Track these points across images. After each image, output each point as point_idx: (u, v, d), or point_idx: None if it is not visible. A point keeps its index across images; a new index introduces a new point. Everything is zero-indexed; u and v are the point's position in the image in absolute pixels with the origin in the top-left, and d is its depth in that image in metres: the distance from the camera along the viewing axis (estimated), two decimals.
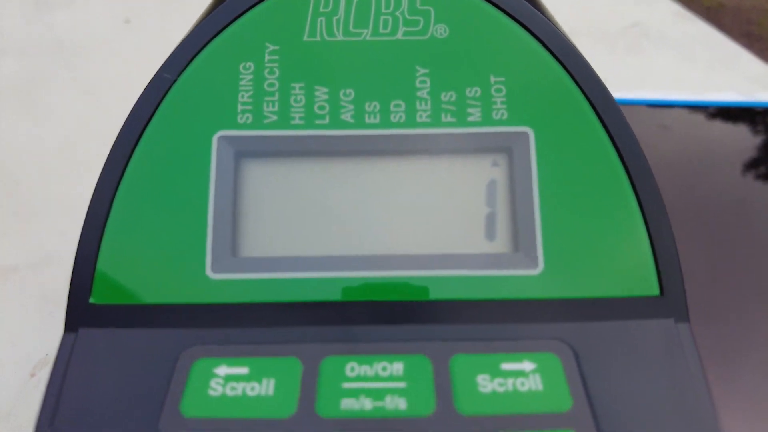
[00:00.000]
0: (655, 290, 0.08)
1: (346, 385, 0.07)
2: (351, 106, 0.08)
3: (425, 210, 0.08)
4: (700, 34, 0.39)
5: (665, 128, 0.24)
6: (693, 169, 0.21)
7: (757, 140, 0.23)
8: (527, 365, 0.07)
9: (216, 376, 0.07)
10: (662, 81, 0.32)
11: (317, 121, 0.08)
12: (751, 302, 0.15)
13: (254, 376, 0.07)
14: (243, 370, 0.07)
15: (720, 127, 0.24)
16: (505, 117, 0.08)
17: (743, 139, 0.23)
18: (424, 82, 0.09)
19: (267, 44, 0.09)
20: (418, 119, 0.08)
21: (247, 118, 0.08)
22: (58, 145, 0.26)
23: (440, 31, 0.09)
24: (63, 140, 0.26)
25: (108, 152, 0.08)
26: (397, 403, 0.07)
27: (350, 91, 0.09)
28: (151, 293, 0.08)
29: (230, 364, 0.07)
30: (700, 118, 0.25)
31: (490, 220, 0.08)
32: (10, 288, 0.17)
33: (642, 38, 0.38)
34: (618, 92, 0.29)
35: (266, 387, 0.07)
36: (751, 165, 0.21)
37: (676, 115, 0.25)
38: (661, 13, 0.44)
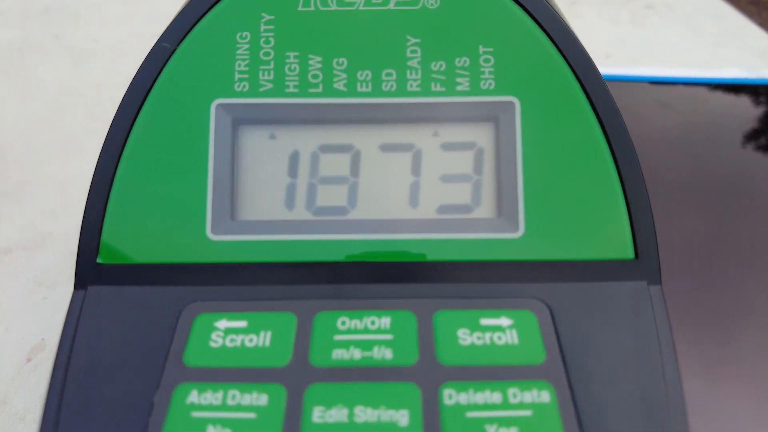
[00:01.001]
0: (630, 254, 0.08)
1: (338, 337, 0.08)
2: (344, 75, 0.09)
3: (413, 177, 0.09)
4: (707, 6, 0.39)
5: (667, 107, 0.24)
6: (695, 149, 0.21)
7: (761, 118, 0.23)
8: (504, 321, 0.08)
9: (216, 329, 0.08)
10: (667, 55, 0.32)
11: (311, 90, 0.09)
12: (747, 272, 0.16)
13: (252, 329, 0.08)
14: (242, 324, 0.08)
15: (724, 105, 0.24)
16: (492, 87, 0.09)
17: (747, 117, 0.23)
18: (414, 51, 0.09)
19: (263, 14, 0.09)
20: (409, 88, 0.09)
21: (244, 86, 0.09)
22: (48, 118, 0.25)
23: (431, 1, 0.09)
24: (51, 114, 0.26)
25: (105, 125, 0.09)
26: (384, 354, 0.07)
27: (343, 60, 0.09)
28: (154, 254, 0.08)
29: (230, 318, 0.08)
30: (703, 95, 0.25)
31: (476, 187, 0.09)
32: (3, 271, 0.17)
33: (647, 9, 0.37)
34: (620, 68, 0.29)
35: (263, 339, 0.08)
36: (754, 143, 0.21)
37: (678, 93, 0.25)
38: None
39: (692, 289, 0.15)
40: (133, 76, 0.09)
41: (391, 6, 0.09)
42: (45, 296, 0.17)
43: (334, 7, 0.09)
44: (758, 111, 0.24)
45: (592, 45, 0.28)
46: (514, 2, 0.09)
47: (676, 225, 0.17)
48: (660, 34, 0.34)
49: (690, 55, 0.32)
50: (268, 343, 0.08)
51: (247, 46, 0.09)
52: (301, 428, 0.07)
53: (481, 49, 0.09)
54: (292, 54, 0.09)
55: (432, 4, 0.09)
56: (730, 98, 0.25)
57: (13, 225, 0.19)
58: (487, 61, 0.09)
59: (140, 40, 0.25)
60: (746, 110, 0.24)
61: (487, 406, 0.07)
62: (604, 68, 0.29)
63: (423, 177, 0.09)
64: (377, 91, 0.09)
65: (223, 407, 0.07)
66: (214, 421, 0.07)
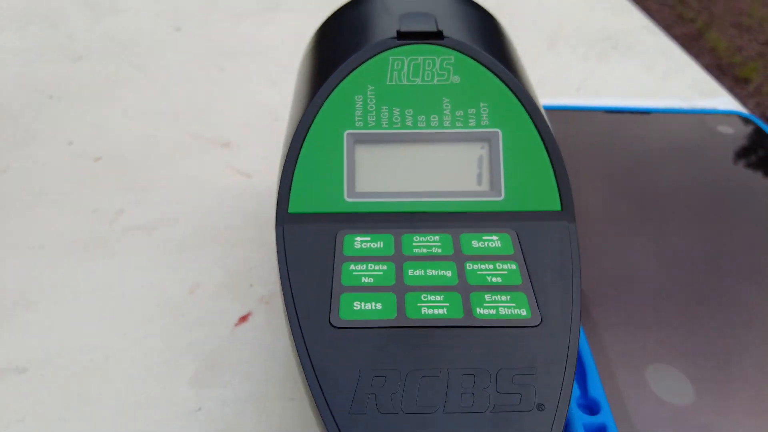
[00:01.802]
0: (558, 207, 0.17)
1: (414, 244, 0.16)
2: (411, 117, 0.17)
3: (448, 170, 0.17)
4: (659, 45, 0.48)
5: (617, 132, 0.32)
6: (642, 165, 0.29)
7: (692, 140, 0.31)
8: (494, 237, 0.16)
9: (355, 240, 0.16)
10: (623, 87, 0.40)
11: (394, 125, 0.17)
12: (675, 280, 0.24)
13: (372, 240, 0.16)
14: (366, 238, 0.16)
15: (665, 129, 0.32)
16: (488, 123, 0.17)
17: (684, 139, 0.31)
18: (447, 106, 0.17)
19: (369, 86, 0.17)
20: (444, 124, 0.17)
21: (360, 123, 0.17)
22: (147, 131, 0.34)
23: (455, 79, 0.17)
24: (150, 128, 0.34)
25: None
26: (437, 251, 0.16)
27: (410, 110, 0.17)
28: (319, 207, 0.17)
29: (360, 236, 0.16)
30: (650, 120, 0.33)
31: (480, 175, 0.17)
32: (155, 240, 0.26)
33: (612, 49, 0.46)
34: (586, 99, 0.37)
35: (378, 244, 0.16)
36: (685, 159, 0.30)
37: (627, 121, 0.33)
38: (633, 26, 0.52)
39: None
40: (302, 115, 0.17)
41: (435, 81, 0.17)
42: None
43: (405, 82, 0.17)
44: (693, 134, 0.32)
45: (565, 80, 0.39)
46: (499, 80, 0.17)
47: (614, 227, 0.25)
48: (620, 70, 0.43)
49: (642, 86, 0.41)
50: (381, 245, 0.16)
51: (361, 102, 0.17)
52: (404, 280, 0.15)
53: (481, 105, 0.17)
54: (384, 107, 0.17)
55: (456, 81, 0.17)
56: (670, 123, 0.33)
57: (153, 209, 0.27)
58: (484, 110, 0.17)
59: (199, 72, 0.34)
60: (684, 133, 0.32)
61: (486, 270, 0.15)
62: (573, 100, 0.37)
63: (452, 170, 0.17)
64: (428, 125, 0.17)
65: (365, 270, 0.15)
66: (361, 274, 0.15)
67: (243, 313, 0.21)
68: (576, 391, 0.17)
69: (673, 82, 0.41)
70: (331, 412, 0.12)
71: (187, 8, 0.52)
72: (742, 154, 0.29)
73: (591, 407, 0.16)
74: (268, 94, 0.38)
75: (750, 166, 0.28)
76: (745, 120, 0.32)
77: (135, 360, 0.20)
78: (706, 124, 0.32)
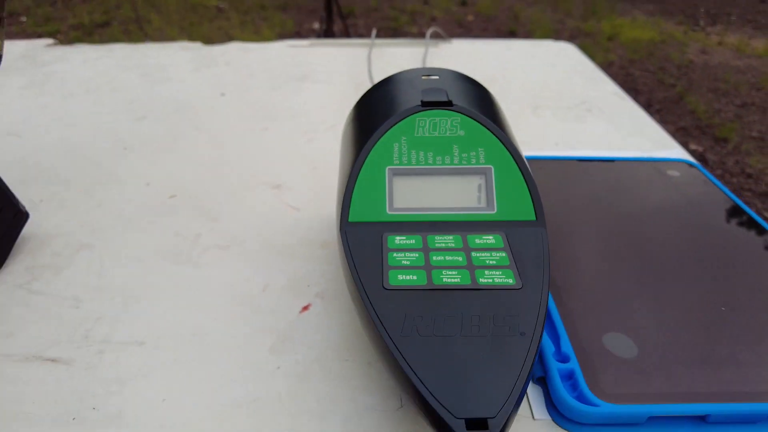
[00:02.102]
0: (534, 217, 0.24)
1: (436, 242, 0.23)
2: (431, 158, 0.25)
3: (457, 193, 0.25)
4: (627, 109, 0.57)
5: (588, 176, 0.40)
6: (608, 204, 0.37)
7: (646, 180, 0.39)
8: (491, 237, 0.23)
9: (396, 239, 0.23)
10: (594, 142, 0.49)
11: (420, 163, 0.25)
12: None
13: (408, 239, 0.23)
14: (402, 237, 0.23)
15: (628, 174, 0.41)
16: (484, 162, 0.25)
17: (643, 182, 0.39)
18: (456, 150, 0.25)
19: (402, 137, 0.25)
20: (454, 162, 0.25)
21: (397, 161, 0.25)
22: (211, 175, 0.42)
23: (461, 133, 0.25)
24: (213, 172, 0.42)
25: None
26: (451, 245, 0.23)
27: (431, 153, 0.25)
28: (369, 217, 0.24)
29: (398, 236, 0.24)
30: (615, 167, 0.41)
31: (479, 197, 0.25)
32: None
33: (586, 112, 0.55)
34: (563, 151, 0.46)
35: (411, 241, 0.23)
36: (641, 194, 0.37)
37: (595, 167, 0.41)
38: (604, 93, 0.62)
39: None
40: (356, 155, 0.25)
41: (447, 134, 0.25)
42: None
43: (427, 134, 0.25)
44: (647, 176, 0.40)
45: (547, 136, 0.49)
46: (491, 134, 0.25)
47: (584, 258, 0.32)
48: (593, 128, 0.52)
49: (610, 142, 0.49)
50: (413, 242, 0.23)
51: (397, 148, 0.25)
52: (430, 263, 0.22)
53: (479, 149, 0.25)
54: (413, 151, 0.25)
55: (461, 134, 0.25)
56: (632, 169, 0.41)
57: (225, 233, 0.35)
58: (481, 153, 0.25)
59: (241, 132, 0.42)
60: (640, 175, 0.40)
61: (485, 256, 0.22)
62: (553, 152, 0.46)
63: (460, 193, 0.25)
64: (443, 163, 0.25)
65: (404, 257, 0.22)
66: (401, 259, 0.22)
67: (304, 304, 0.28)
68: (552, 348, 0.24)
69: (636, 138, 0.50)
70: (389, 336, 0.19)
71: (228, 78, 0.63)
72: (685, 190, 0.37)
73: (563, 359, 0.23)
74: (306, 148, 0.46)
75: (690, 198, 0.36)
76: (689, 165, 0.41)
77: (226, 336, 0.26)
78: (658, 169, 0.40)
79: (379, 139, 0.25)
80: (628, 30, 3.74)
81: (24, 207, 0.33)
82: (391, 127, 0.25)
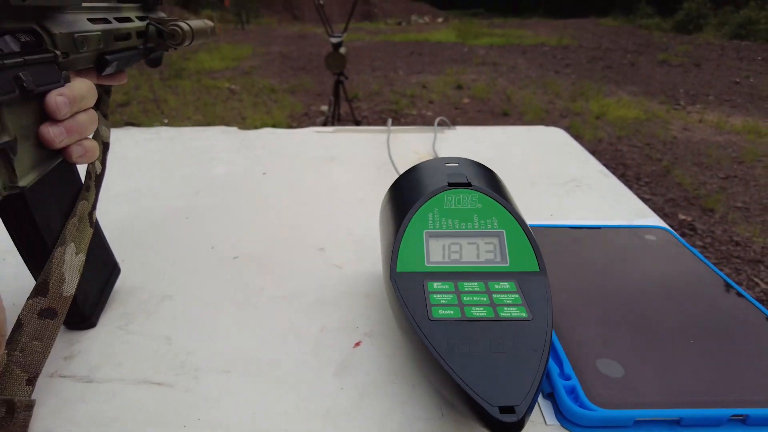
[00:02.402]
0: (537, 269, 0.32)
1: (464, 288, 0.31)
2: (458, 224, 0.33)
3: (478, 251, 0.33)
4: (611, 184, 0.67)
5: (579, 240, 0.48)
6: (596, 263, 0.45)
7: (627, 244, 0.47)
8: (506, 283, 0.31)
9: (434, 285, 0.31)
10: (583, 213, 0.58)
11: (449, 227, 0.33)
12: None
13: (442, 284, 0.31)
14: (439, 284, 0.31)
15: (612, 239, 0.49)
16: (497, 227, 0.33)
17: (625, 245, 0.48)
18: (475, 218, 0.34)
19: (435, 209, 0.34)
20: (475, 227, 0.33)
21: (431, 226, 0.33)
22: (265, 239, 0.50)
23: (479, 206, 0.34)
24: (266, 238, 0.50)
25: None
26: (476, 289, 0.31)
27: (457, 220, 0.33)
28: (412, 268, 0.32)
29: (436, 282, 0.31)
30: (601, 233, 0.49)
31: (495, 253, 0.33)
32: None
33: (576, 188, 0.65)
34: (557, 221, 0.54)
35: (446, 287, 0.31)
36: (622, 255, 0.45)
37: (588, 232, 0.50)
38: (591, 171, 0.72)
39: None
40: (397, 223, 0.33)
41: (468, 207, 0.34)
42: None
43: (453, 207, 0.34)
44: (628, 240, 0.48)
45: (542, 208, 0.60)
46: (501, 206, 0.34)
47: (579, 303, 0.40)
48: (582, 201, 0.61)
49: (597, 212, 0.58)
50: (448, 287, 0.31)
51: (431, 216, 0.34)
52: (462, 301, 0.30)
53: (493, 218, 0.33)
54: (443, 218, 0.34)
55: (479, 206, 0.34)
56: (616, 234, 0.49)
57: (285, 287, 0.42)
58: (495, 221, 0.33)
59: (282, 204, 0.51)
60: (622, 240, 0.49)
61: (503, 297, 0.30)
62: (548, 221, 0.55)
63: (481, 250, 0.33)
64: (466, 228, 0.33)
65: (441, 297, 0.30)
66: (440, 299, 0.30)
67: (356, 341, 0.35)
68: (557, 369, 0.30)
69: (619, 209, 0.59)
70: (438, 353, 0.26)
71: (267, 159, 0.73)
72: (660, 250, 0.45)
73: (566, 378, 0.30)
74: (341, 218, 0.55)
75: (664, 256, 0.44)
76: (665, 231, 0.49)
77: (296, 365, 0.33)
78: (638, 234, 0.48)
79: (417, 209, 0.34)
80: (614, 109, 4.01)
81: (118, 263, 0.41)
82: (426, 201, 0.34)
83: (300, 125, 3.46)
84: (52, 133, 0.30)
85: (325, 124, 2.86)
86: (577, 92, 4.69)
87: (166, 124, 3.50)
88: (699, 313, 0.36)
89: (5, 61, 0.26)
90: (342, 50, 2.52)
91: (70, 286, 0.32)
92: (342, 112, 2.90)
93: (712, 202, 2.29)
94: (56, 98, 0.29)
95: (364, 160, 0.73)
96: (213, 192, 0.62)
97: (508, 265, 0.32)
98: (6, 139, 0.26)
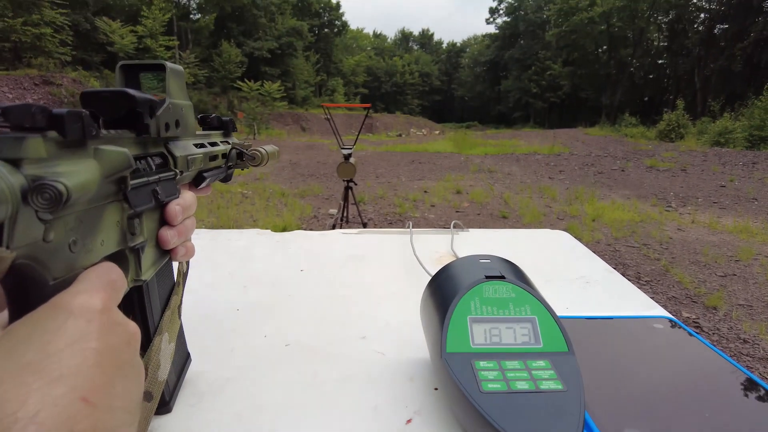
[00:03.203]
0: (566, 349, 0.38)
1: (507, 366, 0.36)
2: (496, 310, 0.40)
3: (515, 334, 0.39)
4: (617, 281, 0.73)
5: (595, 329, 0.54)
6: (607, 348, 0.50)
7: (636, 332, 0.53)
8: (542, 362, 0.37)
9: (480, 362, 0.36)
10: (595, 306, 0.64)
11: (489, 314, 0.39)
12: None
13: (488, 363, 0.36)
14: (485, 362, 0.36)
15: (622, 327, 0.54)
16: (530, 314, 0.39)
17: (630, 331, 0.53)
18: (511, 306, 0.40)
19: (476, 297, 0.40)
20: (511, 314, 0.39)
21: (474, 313, 0.39)
22: (312, 330, 0.55)
23: (512, 295, 0.40)
24: (313, 328, 0.56)
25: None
26: (517, 366, 0.36)
27: (495, 307, 0.40)
28: (459, 349, 0.37)
29: (482, 361, 0.37)
30: (611, 323, 0.55)
31: (530, 336, 0.39)
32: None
33: (585, 284, 0.71)
34: (573, 313, 0.60)
35: (490, 364, 0.36)
36: (632, 342, 0.51)
37: (602, 323, 0.55)
38: (598, 269, 0.79)
39: None
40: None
41: (504, 296, 0.40)
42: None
43: (491, 296, 0.40)
44: (637, 329, 0.54)
45: (559, 301, 0.67)
46: (532, 296, 0.40)
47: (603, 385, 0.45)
48: (592, 296, 0.67)
49: (608, 305, 0.64)
50: (493, 365, 0.36)
51: (473, 304, 0.40)
52: (507, 377, 0.35)
53: (526, 305, 0.40)
54: (484, 306, 0.40)
55: (513, 296, 0.40)
56: (627, 324, 0.55)
57: (337, 371, 0.47)
58: (527, 308, 0.40)
59: (318, 297, 0.58)
60: (632, 328, 0.54)
61: (541, 373, 0.35)
62: (566, 313, 0.61)
63: (518, 332, 0.39)
64: (504, 314, 0.39)
65: (489, 374, 0.35)
66: (487, 374, 0.35)
67: (407, 418, 0.40)
68: None
69: (627, 302, 0.65)
70: (492, 419, 0.31)
71: (302, 258, 0.80)
72: (668, 338, 0.50)
73: None
74: (377, 310, 0.60)
75: (672, 343, 0.49)
76: (671, 321, 0.55)
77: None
78: (646, 324, 0.54)
79: (461, 298, 0.40)
80: (609, 212, 4.19)
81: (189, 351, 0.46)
82: (468, 291, 0.41)
83: (309, 227, 3.59)
84: (169, 235, 0.37)
85: (334, 227, 2.99)
86: (572, 196, 4.92)
87: None
88: (711, 392, 0.41)
89: (149, 179, 0.34)
90: (352, 160, 2.73)
91: (164, 372, 0.37)
92: (349, 214, 3.05)
93: (714, 300, 2.32)
94: (175, 207, 0.37)
95: (390, 259, 0.80)
96: (258, 287, 0.68)
97: (542, 346, 0.38)
98: (141, 240, 0.33)
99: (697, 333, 0.52)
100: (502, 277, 0.41)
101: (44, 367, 0.19)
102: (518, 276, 0.43)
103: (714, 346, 0.49)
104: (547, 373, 0.35)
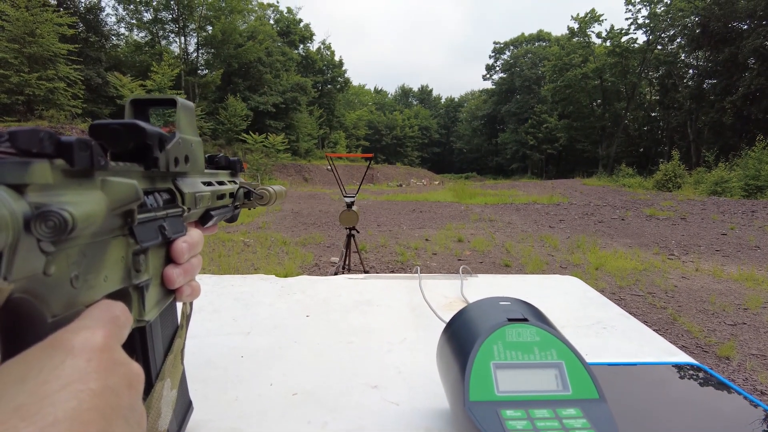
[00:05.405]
0: (597, 396, 0.35)
1: (536, 415, 0.34)
2: (521, 355, 0.37)
3: (542, 380, 0.36)
4: (635, 326, 0.71)
5: (619, 375, 0.51)
6: (636, 396, 0.47)
7: (661, 378, 0.50)
8: (572, 410, 0.34)
9: (507, 412, 0.34)
10: (614, 352, 0.61)
11: (513, 359, 0.37)
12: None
13: (515, 412, 0.34)
14: (511, 410, 0.34)
15: (644, 373, 0.52)
16: (556, 358, 0.37)
17: (655, 378, 0.50)
18: (536, 350, 0.38)
19: (498, 341, 0.38)
20: (537, 358, 0.37)
21: (497, 358, 0.37)
22: (319, 378, 0.52)
23: (537, 339, 0.38)
24: (321, 376, 0.53)
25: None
26: (546, 415, 0.33)
27: (519, 352, 0.38)
28: (484, 397, 0.35)
29: (509, 410, 0.34)
30: (634, 369, 0.52)
31: (557, 383, 0.36)
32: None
33: (602, 329, 0.69)
34: (593, 359, 0.57)
35: (517, 413, 0.34)
36: (658, 388, 0.48)
37: (624, 370, 0.53)
38: (613, 315, 0.76)
39: None
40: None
41: (528, 340, 0.38)
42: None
43: (515, 340, 0.38)
44: (662, 375, 0.51)
45: (580, 346, 0.61)
46: (557, 338, 0.38)
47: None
48: (611, 341, 0.64)
49: (623, 351, 0.61)
50: (520, 414, 0.34)
51: (496, 348, 0.38)
52: (536, 425, 0.32)
53: (552, 349, 0.38)
54: (507, 350, 0.38)
55: (537, 339, 0.38)
56: (651, 371, 0.52)
57: (346, 421, 0.44)
58: (553, 352, 0.38)
59: (325, 346, 0.55)
60: (656, 375, 0.51)
61: (572, 422, 0.33)
62: (588, 359, 0.58)
63: (544, 379, 0.36)
64: (529, 359, 0.37)
65: (517, 423, 0.33)
66: (515, 424, 0.33)
67: None
68: None
69: (647, 347, 0.62)
70: None
71: (308, 303, 0.78)
72: (699, 387, 0.48)
73: None
74: (387, 357, 0.58)
75: (697, 392, 0.46)
76: (696, 367, 0.52)
77: None
78: (671, 370, 0.51)
79: (483, 342, 0.38)
80: (611, 261, 4.16)
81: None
82: (490, 334, 0.39)
83: (311, 275, 3.55)
84: (175, 273, 0.35)
85: (336, 274, 2.95)
86: (574, 245, 4.91)
87: None
88: None
89: (156, 214, 0.33)
90: (354, 208, 2.74)
91: (165, 421, 0.34)
92: (351, 262, 3.02)
93: (726, 349, 2.25)
94: (182, 245, 0.36)
95: (398, 304, 0.78)
96: (263, 333, 0.65)
97: (570, 393, 0.36)
98: (146, 278, 0.32)
99: (728, 380, 0.49)
100: (525, 320, 0.39)
101: (37, 411, 0.18)
102: (541, 318, 0.41)
103: (745, 391, 0.46)
104: (579, 422, 0.33)
